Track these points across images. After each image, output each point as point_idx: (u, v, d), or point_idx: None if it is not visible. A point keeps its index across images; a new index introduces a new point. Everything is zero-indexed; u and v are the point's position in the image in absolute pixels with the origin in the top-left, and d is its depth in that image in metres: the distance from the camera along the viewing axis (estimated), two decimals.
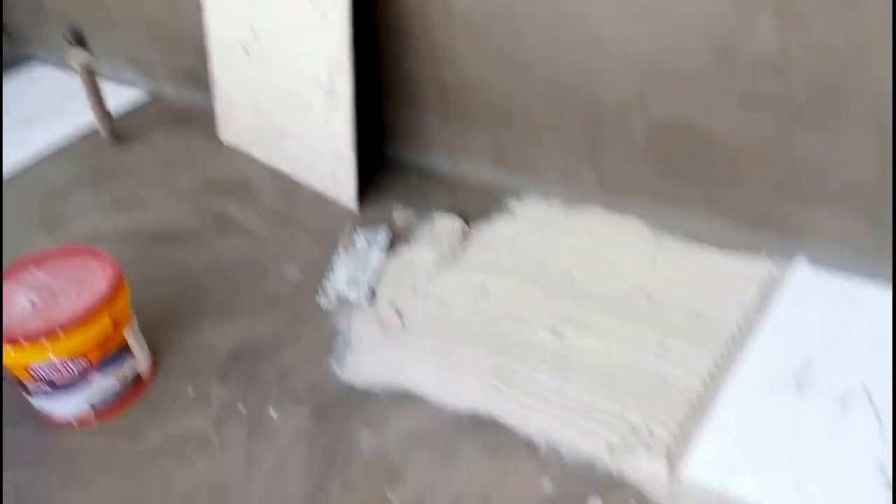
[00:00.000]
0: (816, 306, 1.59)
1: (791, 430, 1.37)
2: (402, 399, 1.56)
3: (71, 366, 1.51)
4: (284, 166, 2.30)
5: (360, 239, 1.93)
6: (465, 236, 1.94)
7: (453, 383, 1.56)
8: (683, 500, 1.30)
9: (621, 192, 1.90)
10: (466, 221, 1.98)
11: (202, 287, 1.92)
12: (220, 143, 2.50)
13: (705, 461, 1.35)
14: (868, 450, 1.32)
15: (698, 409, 1.44)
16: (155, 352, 1.72)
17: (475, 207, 2.04)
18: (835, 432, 1.36)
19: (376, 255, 1.88)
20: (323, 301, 1.82)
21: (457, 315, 1.71)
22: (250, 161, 2.39)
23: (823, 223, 1.64)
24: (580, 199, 1.97)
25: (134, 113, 2.74)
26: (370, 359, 1.65)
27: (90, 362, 1.54)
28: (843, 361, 1.47)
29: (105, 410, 1.61)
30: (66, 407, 1.58)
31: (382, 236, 1.94)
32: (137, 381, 1.66)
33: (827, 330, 1.54)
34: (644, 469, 1.35)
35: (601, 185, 1.93)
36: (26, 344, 1.46)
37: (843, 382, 1.43)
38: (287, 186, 2.25)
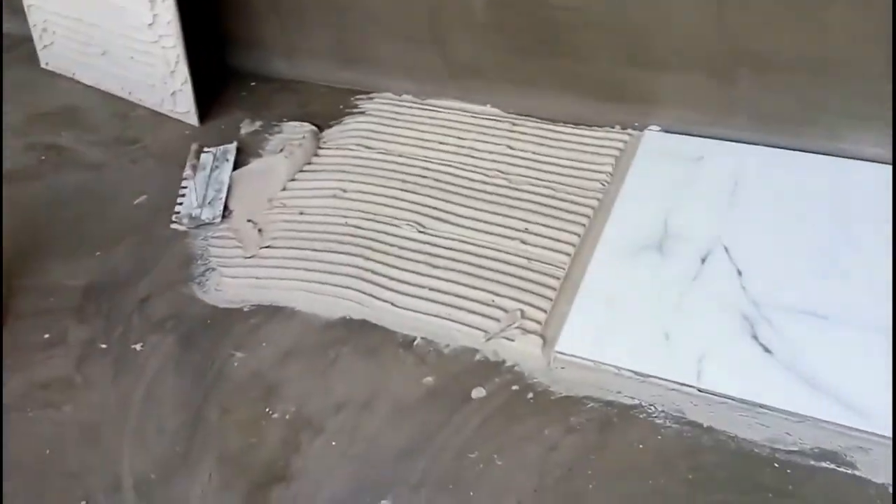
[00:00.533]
0: (671, 171, 1.61)
1: (656, 291, 1.40)
2: (271, 314, 1.48)
3: None
4: (114, 87, 2.08)
5: (208, 156, 1.79)
6: (317, 140, 1.83)
7: (321, 291, 1.49)
8: (561, 374, 1.31)
9: (471, 78, 1.84)
10: (316, 125, 1.88)
11: (45, 225, 1.75)
12: (43, 70, 2.23)
13: (578, 334, 1.36)
14: (731, 300, 1.36)
15: (567, 284, 1.44)
16: (1, 298, 1.55)
17: (324, 110, 1.93)
18: (698, 287, 1.40)
19: (226, 171, 1.75)
20: (176, 225, 1.68)
21: (317, 222, 1.63)
22: (77, 86, 2.16)
23: (670, 88, 1.64)
24: (431, 91, 1.90)
25: None
26: (233, 278, 1.56)
27: None
28: (700, 220, 1.50)
29: None
30: None
31: (230, 150, 1.80)
32: None
33: (683, 192, 1.56)
34: (520, 351, 1.35)
35: (450, 73, 1.86)
36: None
37: (702, 240, 1.47)
38: (121, 108, 2.06)
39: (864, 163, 1.54)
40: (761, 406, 1.22)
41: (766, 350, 1.28)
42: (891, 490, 1.09)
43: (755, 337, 1.30)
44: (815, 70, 1.48)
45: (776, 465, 1.14)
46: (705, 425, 1.21)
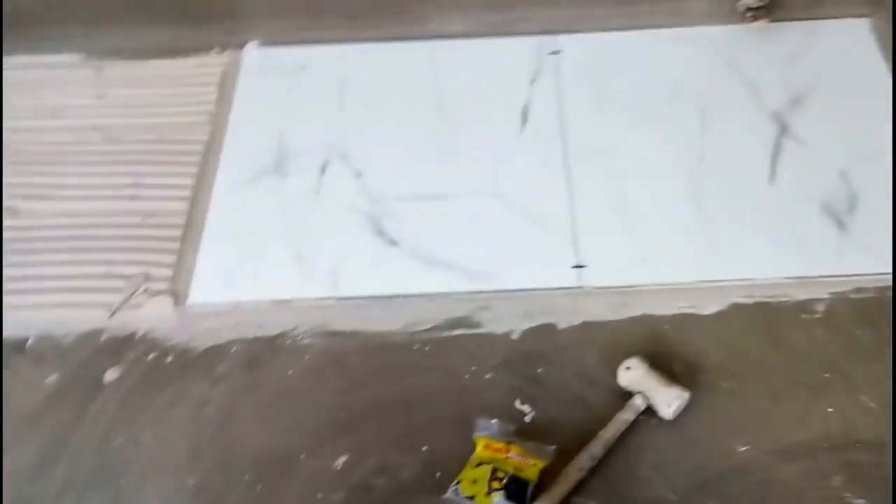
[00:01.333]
0: (278, 85, 1.53)
1: (282, 215, 1.34)
2: None
3: None
4: None
5: None
6: None
7: None
8: (199, 327, 1.22)
9: (35, 26, 1.57)
10: None
11: None
12: None
13: (209, 280, 1.27)
14: (354, 203, 1.35)
15: (189, 232, 1.33)
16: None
17: None
18: (322, 200, 1.36)
19: None
20: None
21: None
22: None
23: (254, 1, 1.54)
24: None
25: None
26: None
27: None
28: (314, 131, 1.46)
29: None
30: None
31: None
32: None
33: (292, 106, 1.50)
34: (151, 315, 1.23)
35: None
36: None
37: (318, 151, 1.43)
38: None
39: (454, 41, 1.59)
40: (395, 296, 1.24)
41: (392, 242, 1.30)
42: (514, 336, 1.19)
43: (380, 233, 1.31)
44: None
45: (416, 346, 1.18)
46: (349, 331, 1.20)
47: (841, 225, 1.27)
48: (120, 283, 1.26)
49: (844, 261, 1.23)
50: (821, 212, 1.29)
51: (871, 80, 1.46)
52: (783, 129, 1.40)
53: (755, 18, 1.46)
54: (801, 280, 1.22)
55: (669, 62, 1.52)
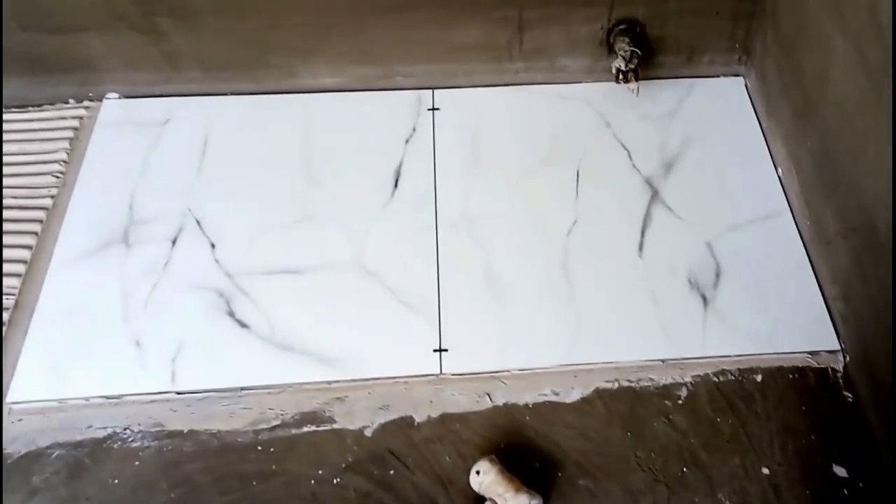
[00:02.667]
0: (136, 142, 1.39)
1: (124, 292, 1.20)
2: None
3: None
4: None
5: None
6: None
7: None
8: (19, 428, 1.07)
9: None
10: None
11: None
12: None
13: (34, 372, 1.12)
14: (205, 279, 1.22)
15: (19, 313, 1.18)
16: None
17: None
18: (170, 274, 1.23)
19: None
20: None
21: None
22: None
23: (105, 50, 1.38)
24: None
25: None
26: None
27: None
28: (169, 195, 1.32)
29: None
30: None
31: None
32: None
33: (149, 165, 1.36)
34: None
35: None
36: None
37: (172, 218, 1.29)
38: None
39: (324, 94, 1.46)
40: (241, 389, 1.12)
41: (243, 325, 1.18)
42: (367, 432, 1.08)
43: (231, 314, 1.19)
44: (260, 11, 1.33)
45: (259, 447, 1.07)
46: (186, 430, 1.08)
47: (706, 301, 1.21)
48: None
49: (707, 342, 1.17)
50: (687, 287, 1.22)
51: (744, 141, 1.40)
52: (654, 195, 1.33)
53: (626, 80, 1.38)
54: (666, 363, 1.15)
55: (547, 120, 1.43)
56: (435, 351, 1.16)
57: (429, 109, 1.44)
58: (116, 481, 1.03)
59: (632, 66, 1.36)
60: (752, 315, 1.19)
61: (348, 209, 1.30)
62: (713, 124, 1.43)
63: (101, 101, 1.44)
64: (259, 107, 1.44)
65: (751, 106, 1.45)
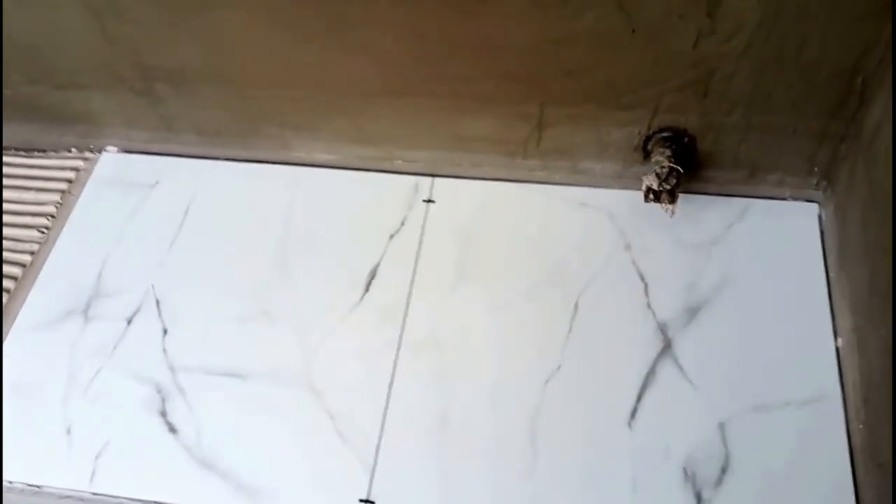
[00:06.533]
0: (123, 203, 1.33)
1: (69, 372, 1.15)
2: None
3: None
4: None
5: None
6: None
7: None
8: None
9: None
10: None
11: None
12: None
13: None
14: (148, 369, 1.14)
15: None
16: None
17: None
18: (117, 358, 1.16)
19: None
20: None
21: None
22: None
23: (104, 108, 1.32)
24: None
25: None
26: None
27: None
28: (139, 266, 1.25)
29: None
30: None
31: None
32: None
33: (128, 230, 1.29)
34: None
35: None
36: None
37: (134, 293, 1.22)
38: None
39: (317, 169, 1.33)
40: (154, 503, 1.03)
41: (172, 429, 1.09)
42: None
43: (163, 413, 1.10)
44: (257, 83, 1.21)
45: None
46: None
47: (701, 502, 0.97)
48: None
49: None
50: (681, 478, 0.99)
51: (801, 292, 1.11)
52: (665, 348, 1.09)
53: (657, 200, 1.14)
54: None
55: (555, 231, 1.22)
56: (360, 502, 1.01)
57: (424, 201, 1.27)
58: None
59: (667, 187, 1.12)
60: None
61: (310, 310, 1.17)
62: (765, 261, 1.14)
63: (100, 153, 1.40)
64: (248, 176, 1.33)
65: (820, 245, 1.15)
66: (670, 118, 1.14)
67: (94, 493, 1.04)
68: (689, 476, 0.99)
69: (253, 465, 1.05)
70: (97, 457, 1.07)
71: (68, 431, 1.09)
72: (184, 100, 1.26)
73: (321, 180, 1.31)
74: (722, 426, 1.02)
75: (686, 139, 1.16)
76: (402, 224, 1.25)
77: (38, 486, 1.06)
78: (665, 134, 1.16)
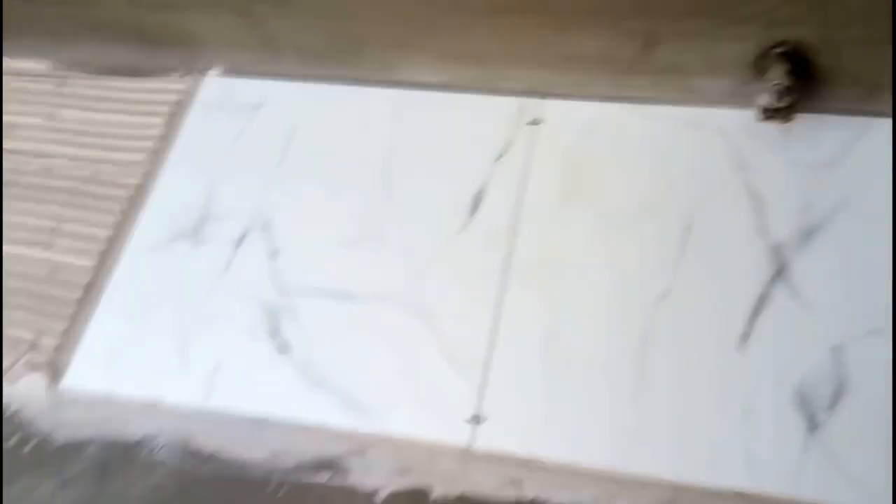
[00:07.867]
0: (228, 125, 1.33)
1: (182, 292, 1.18)
2: None
3: None
4: None
5: None
6: None
7: None
8: (67, 415, 1.10)
9: (18, 32, 1.43)
10: None
11: None
12: None
13: (91, 360, 1.14)
14: (258, 290, 1.16)
15: (88, 296, 1.20)
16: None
17: None
18: (228, 279, 1.18)
19: None
20: None
21: None
22: None
23: (207, 29, 1.30)
24: None
25: None
26: None
27: None
28: (246, 189, 1.26)
29: None
30: None
31: None
32: None
33: (235, 154, 1.30)
34: (22, 393, 1.12)
35: None
36: None
37: (243, 216, 1.23)
38: None
39: (420, 91, 1.30)
40: (267, 420, 1.06)
41: (283, 349, 1.11)
42: (378, 498, 0.99)
43: (275, 333, 1.12)
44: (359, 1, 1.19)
45: (270, 488, 1.01)
46: (208, 453, 1.05)
47: (814, 426, 0.94)
48: (11, 349, 1.16)
49: (801, 481, 0.92)
50: (793, 402, 0.96)
51: None
52: (780, 271, 1.04)
53: (773, 120, 1.07)
54: (739, 495, 0.93)
55: (667, 151, 1.17)
56: (469, 420, 1.02)
57: (529, 123, 1.23)
58: (135, 492, 1.03)
59: (783, 105, 1.05)
60: (874, 459, 0.92)
61: (417, 232, 1.17)
62: (884, 182, 1.07)
63: (203, 75, 1.40)
64: (351, 98, 1.31)
65: None
66: (786, 32, 1.06)
67: (211, 409, 1.08)
68: (802, 400, 0.96)
69: (362, 384, 1.06)
70: (212, 373, 1.10)
71: (182, 351, 1.13)
72: (285, 20, 1.24)
73: (425, 102, 1.28)
74: (837, 350, 0.98)
75: (802, 54, 1.08)
76: (508, 146, 1.22)
77: (156, 401, 1.10)
78: (780, 49, 1.07)
